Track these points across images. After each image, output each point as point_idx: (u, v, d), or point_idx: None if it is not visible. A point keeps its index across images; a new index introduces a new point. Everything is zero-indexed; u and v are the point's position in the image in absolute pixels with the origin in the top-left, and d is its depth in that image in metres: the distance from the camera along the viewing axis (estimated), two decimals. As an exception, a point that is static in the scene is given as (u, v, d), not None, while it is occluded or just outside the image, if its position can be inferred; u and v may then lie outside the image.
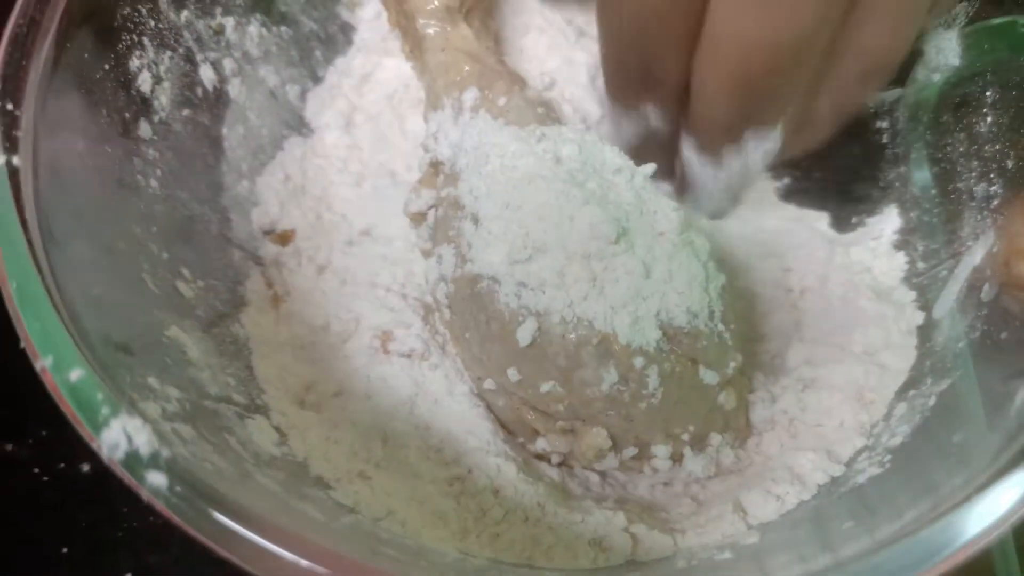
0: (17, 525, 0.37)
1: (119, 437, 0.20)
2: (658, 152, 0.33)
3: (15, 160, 0.23)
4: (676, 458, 0.31)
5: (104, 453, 0.20)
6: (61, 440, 0.39)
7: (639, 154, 0.31)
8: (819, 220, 0.38)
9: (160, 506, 0.19)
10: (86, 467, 0.38)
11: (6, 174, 0.22)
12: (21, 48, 0.24)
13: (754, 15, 0.26)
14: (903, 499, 0.23)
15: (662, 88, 0.31)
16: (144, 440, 0.20)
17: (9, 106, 0.23)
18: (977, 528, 0.20)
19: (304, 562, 0.18)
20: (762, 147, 0.31)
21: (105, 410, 0.20)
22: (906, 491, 0.24)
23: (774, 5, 0.26)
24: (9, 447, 0.39)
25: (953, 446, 0.25)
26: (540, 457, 0.32)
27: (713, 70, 0.29)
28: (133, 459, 0.20)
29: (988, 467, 0.22)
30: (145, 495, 0.19)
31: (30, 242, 0.22)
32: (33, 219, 0.22)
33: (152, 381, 0.24)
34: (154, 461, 0.20)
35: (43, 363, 0.20)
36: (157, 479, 0.19)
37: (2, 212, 0.22)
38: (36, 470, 0.38)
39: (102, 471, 0.37)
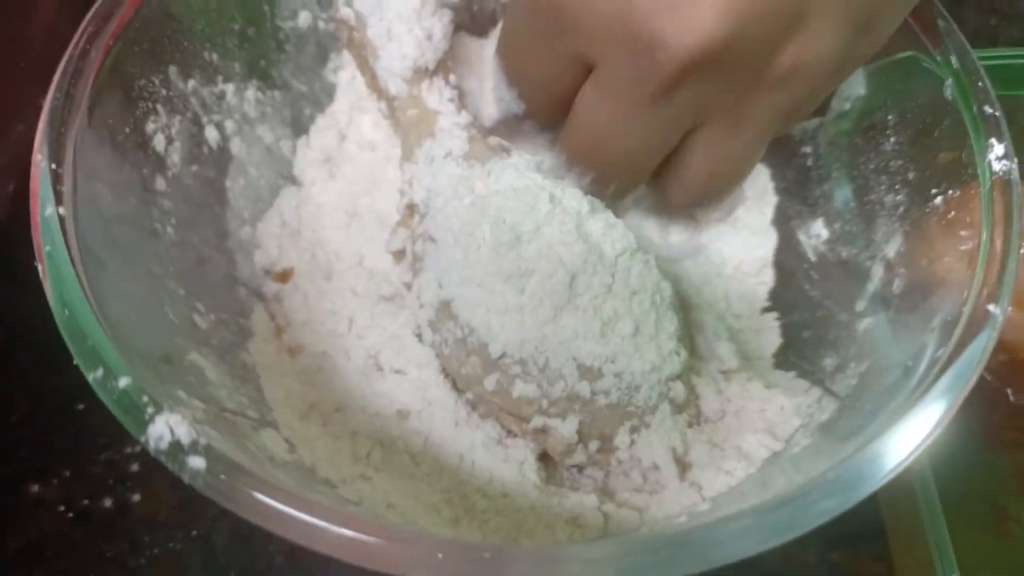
0: (49, 560, 0.40)
1: (163, 430, 0.24)
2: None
3: (60, 210, 0.27)
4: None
5: (151, 445, 0.24)
6: (83, 479, 0.42)
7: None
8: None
9: (200, 487, 0.23)
10: (108, 502, 0.42)
11: (56, 221, 0.26)
12: (59, 117, 0.29)
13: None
14: (829, 456, 0.28)
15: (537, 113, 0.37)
16: (184, 431, 0.24)
17: (54, 166, 0.28)
18: (889, 458, 0.25)
19: (340, 529, 0.22)
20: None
21: (150, 409, 0.24)
22: (831, 448, 0.29)
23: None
24: (35, 488, 0.42)
25: (870, 410, 0.29)
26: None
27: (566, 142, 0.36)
28: (176, 447, 0.23)
29: (896, 414, 0.26)
30: (187, 478, 0.23)
31: (78, 277, 0.26)
32: (77, 258, 0.27)
33: (180, 394, 0.28)
34: (194, 448, 0.23)
35: (94, 375, 0.24)
36: (197, 463, 0.23)
37: (55, 254, 0.26)
38: (62, 508, 0.41)
39: (123, 504, 0.42)
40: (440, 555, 0.22)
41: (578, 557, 0.23)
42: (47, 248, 0.26)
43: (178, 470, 0.23)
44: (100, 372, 0.24)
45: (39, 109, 0.29)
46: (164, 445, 0.24)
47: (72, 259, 0.26)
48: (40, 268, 0.26)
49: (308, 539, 0.22)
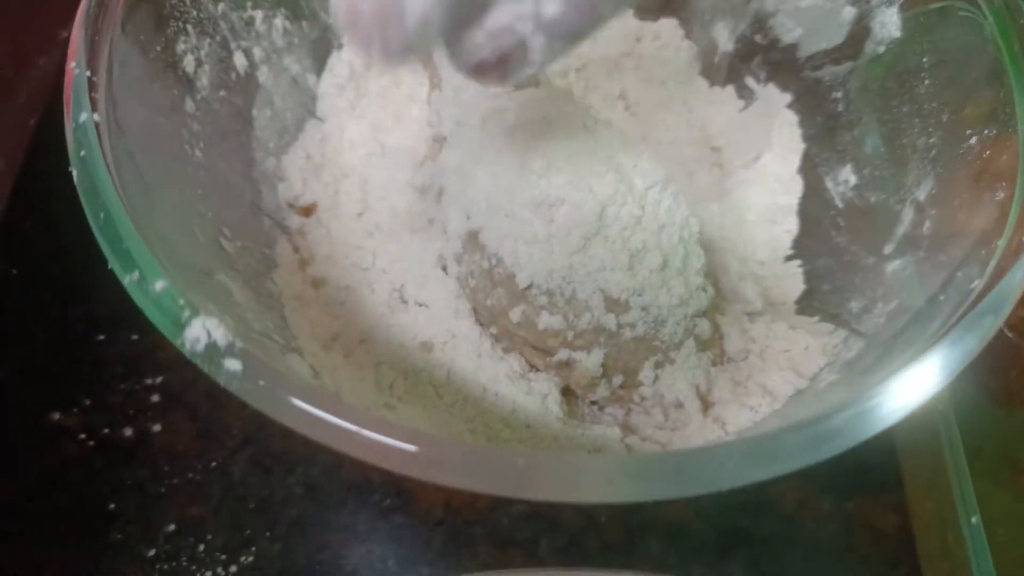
0: (69, 486, 0.40)
1: (200, 332, 0.24)
2: None
3: (95, 116, 0.27)
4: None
5: (187, 347, 0.24)
6: (104, 407, 0.42)
7: None
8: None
9: (235, 390, 0.23)
10: (128, 431, 0.42)
11: (92, 126, 0.26)
12: (93, 25, 0.29)
13: None
14: (853, 387, 0.28)
15: None
16: (221, 334, 0.24)
17: (88, 73, 0.28)
18: (914, 390, 0.24)
19: (374, 433, 0.22)
20: None
21: (187, 312, 0.24)
22: (855, 381, 0.28)
23: None
24: (56, 416, 0.42)
25: (900, 344, 0.29)
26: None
27: None
28: (212, 349, 0.23)
29: (924, 346, 0.26)
30: (223, 381, 0.23)
31: (112, 181, 0.26)
32: (112, 165, 0.26)
33: (212, 308, 0.28)
34: (230, 350, 0.23)
35: (130, 278, 0.24)
36: (233, 365, 0.23)
37: (89, 158, 0.26)
38: (83, 436, 0.41)
39: (143, 434, 0.42)
40: (473, 460, 0.22)
41: (610, 468, 0.23)
42: (81, 152, 0.26)
43: (214, 373, 0.23)
44: (136, 275, 0.24)
45: (60, 44, 0.29)
46: (200, 347, 0.23)
47: (107, 164, 0.26)
48: (74, 174, 0.26)
49: (343, 443, 0.22)
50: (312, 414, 0.23)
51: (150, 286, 0.24)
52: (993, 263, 0.27)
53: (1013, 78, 0.31)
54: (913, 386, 0.25)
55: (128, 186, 0.27)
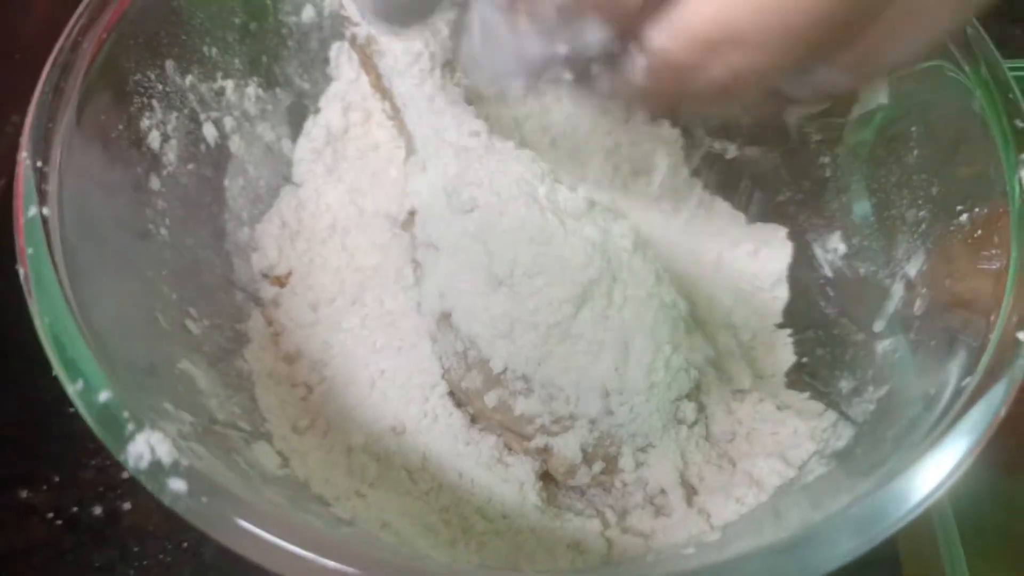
0: (36, 567, 0.39)
1: (143, 449, 0.22)
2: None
3: (45, 210, 0.26)
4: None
5: (130, 464, 0.22)
6: (73, 485, 0.41)
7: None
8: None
9: (180, 510, 0.22)
10: (98, 509, 0.41)
11: (40, 223, 0.25)
12: (47, 112, 0.28)
13: None
14: (846, 490, 0.26)
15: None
16: (165, 451, 0.22)
17: (39, 163, 0.27)
18: (911, 497, 0.24)
19: (328, 562, 0.21)
20: None
21: (131, 426, 0.23)
22: (848, 481, 0.27)
23: None
24: (24, 494, 0.41)
25: (891, 441, 0.28)
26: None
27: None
28: (156, 468, 0.22)
29: (918, 449, 0.25)
30: (167, 501, 0.22)
31: (60, 282, 0.25)
32: (61, 262, 0.25)
33: (168, 406, 0.26)
34: (175, 469, 0.22)
35: (74, 387, 0.23)
36: (178, 485, 0.22)
37: (37, 256, 0.25)
38: (51, 515, 0.40)
39: (113, 512, 0.40)
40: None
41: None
42: (30, 250, 0.25)
43: (158, 492, 0.22)
44: (80, 384, 0.23)
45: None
46: (144, 465, 0.22)
47: (55, 263, 0.25)
48: (22, 272, 0.25)
49: (292, 570, 0.21)
50: (259, 538, 0.21)
51: (94, 397, 0.23)
52: (986, 359, 0.26)
53: (1003, 153, 0.30)
54: (909, 493, 0.24)
55: (79, 284, 0.25)
